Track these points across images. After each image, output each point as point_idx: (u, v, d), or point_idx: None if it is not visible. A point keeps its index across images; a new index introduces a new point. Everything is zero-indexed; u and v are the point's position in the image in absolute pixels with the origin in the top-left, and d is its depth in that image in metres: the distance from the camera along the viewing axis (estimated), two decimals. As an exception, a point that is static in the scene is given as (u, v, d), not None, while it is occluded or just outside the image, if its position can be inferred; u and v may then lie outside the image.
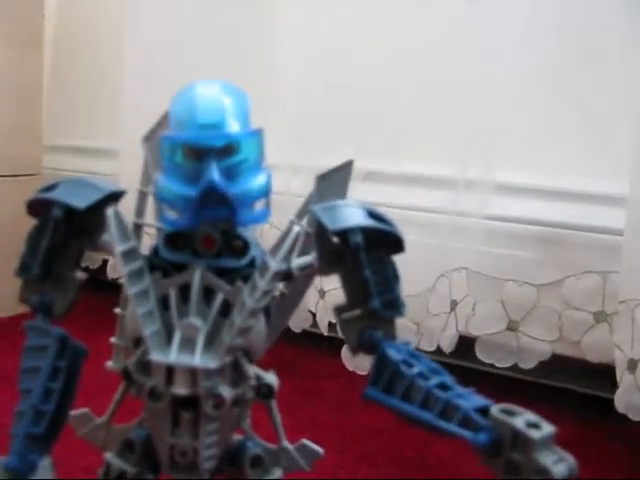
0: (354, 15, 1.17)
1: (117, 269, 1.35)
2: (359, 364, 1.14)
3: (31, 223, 0.52)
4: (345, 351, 1.15)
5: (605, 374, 1.02)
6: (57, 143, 1.52)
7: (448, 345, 1.09)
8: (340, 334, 0.51)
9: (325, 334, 1.20)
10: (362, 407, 1.05)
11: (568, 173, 1.06)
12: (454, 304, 1.09)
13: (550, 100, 1.05)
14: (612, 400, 0.95)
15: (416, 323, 1.11)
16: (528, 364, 1.09)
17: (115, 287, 1.35)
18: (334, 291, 1.14)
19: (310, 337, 1.21)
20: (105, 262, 1.42)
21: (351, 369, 1.14)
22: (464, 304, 1.09)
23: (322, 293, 1.17)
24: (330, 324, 1.19)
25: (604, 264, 1.01)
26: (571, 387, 1.11)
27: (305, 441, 0.57)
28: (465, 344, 1.11)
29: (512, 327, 1.08)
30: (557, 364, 1.08)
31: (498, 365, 1.10)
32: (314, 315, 1.19)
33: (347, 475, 0.86)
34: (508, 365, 1.10)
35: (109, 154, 1.36)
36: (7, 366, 1.13)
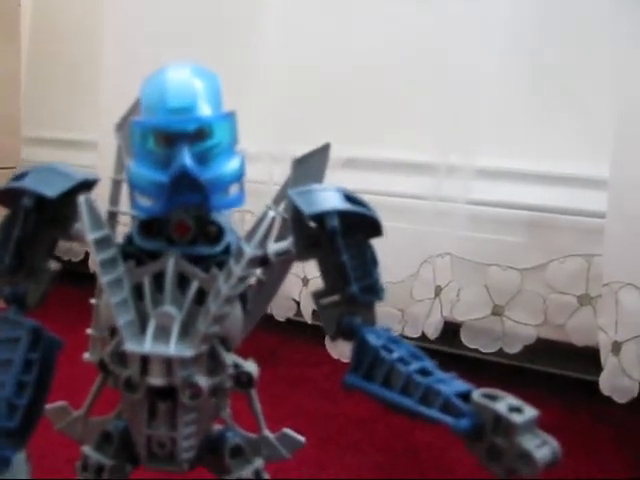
0: (341, 6, 1.16)
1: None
2: (344, 352, 1.13)
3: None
4: (329, 339, 1.15)
5: (590, 357, 1.02)
6: (36, 135, 1.51)
7: (433, 331, 1.08)
8: (320, 319, 0.50)
9: (309, 322, 1.19)
10: (347, 395, 1.04)
11: (550, 156, 1.05)
12: (438, 290, 1.08)
13: (531, 83, 1.04)
14: (597, 383, 0.95)
15: (400, 310, 1.10)
16: (513, 349, 1.08)
17: (94, 280, 1.35)
18: (318, 279, 1.14)
19: (294, 325, 1.21)
20: (87, 255, 1.40)
21: (336, 357, 1.14)
22: (448, 290, 1.09)
23: (305, 281, 1.16)
24: (314, 312, 1.18)
25: (588, 247, 1.01)
26: (556, 371, 1.11)
27: (286, 430, 0.57)
28: (450, 330, 1.11)
29: (497, 312, 1.08)
30: (542, 348, 1.08)
31: (483, 350, 1.10)
32: (298, 303, 1.19)
33: (332, 464, 0.86)
34: (493, 350, 1.09)
35: (88, 146, 1.35)
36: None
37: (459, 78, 1.04)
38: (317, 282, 1.12)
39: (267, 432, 0.56)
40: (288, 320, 1.21)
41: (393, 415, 0.99)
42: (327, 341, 1.14)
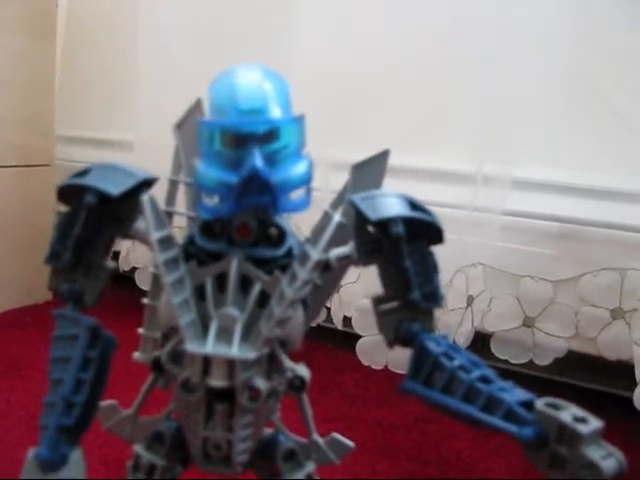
0: (376, 7, 1.16)
1: (130, 262, 1.35)
2: (374, 359, 1.13)
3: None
4: (360, 345, 1.15)
5: (622, 371, 1.01)
6: (70, 134, 1.51)
7: (464, 341, 1.08)
8: (377, 326, 0.50)
9: (340, 328, 1.19)
10: (378, 402, 1.05)
11: (586, 169, 1.05)
12: (470, 300, 1.08)
13: (569, 94, 1.04)
14: (630, 398, 0.94)
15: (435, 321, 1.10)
16: (544, 361, 1.08)
17: (125, 280, 1.35)
18: (349, 285, 1.14)
19: (324, 332, 1.20)
20: (116, 255, 1.41)
21: (366, 364, 1.14)
22: (480, 300, 1.09)
23: (337, 288, 1.16)
24: (345, 318, 1.18)
25: (622, 261, 1.01)
26: (587, 385, 1.10)
27: (335, 435, 0.57)
28: (480, 340, 1.10)
29: (528, 323, 1.08)
30: (573, 361, 1.08)
31: (513, 361, 1.09)
32: (328, 310, 1.19)
33: (365, 470, 0.86)
34: (523, 361, 1.09)
35: (123, 145, 1.35)
36: (17, 357, 1.13)
37: (498, 87, 1.03)
38: (348, 288, 1.13)
39: (317, 436, 0.56)
40: (318, 326, 1.21)
41: (426, 423, 0.99)
42: (358, 347, 1.15)
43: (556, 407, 0.42)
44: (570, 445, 0.41)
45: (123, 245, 1.38)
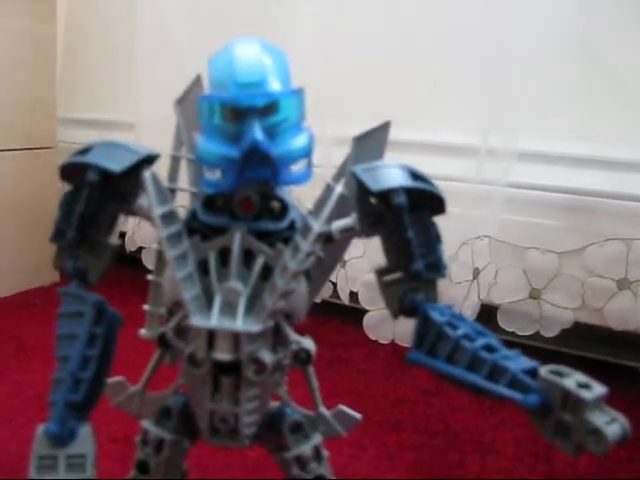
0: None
1: (136, 242, 1.35)
2: (381, 333, 1.14)
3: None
4: (367, 320, 1.15)
5: (629, 342, 1.01)
6: (72, 116, 1.51)
7: (470, 313, 1.08)
8: (381, 297, 0.50)
9: (346, 304, 1.19)
10: (385, 376, 1.05)
11: (590, 139, 1.04)
12: (476, 272, 1.08)
13: (574, 65, 1.03)
14: (636, 368, 0.94)
15: (438, 291, 1.10)
16: (550, 332, 1.08)
17: (131, 260, 1.35)
18: (355, 260, 1.14)
19: (331, 307, 1.21)
20: (122, 235, 1.41)
21: (373, 338, 1.14)
22: (486, 272, 1.09)
23: (343, 262, 1.16)
24: (351, 293, 1.18)
25: (627, 231, 1.01)
26: (594, 355, 1.10)
27: (342, 407, 0.57)
28: (487, 312, 1.11)
29: (534, 295, 1.08)
30: (579, 332, 1.08)
31: (520, 333, 1.10)
32: (335, 285, 1.19)
33: (373, 443, 0.86)
34: (530, 333, 1.09)
35: (124, 126, 1.35)
36: (25, 339, 1.14)
37: (500, 59, 1.03)
38: (354, 263, 1.13)
39: (323, 409, 0.57)
40: (324, 301, 1.21)
41: (432, 396, 1.00)
42: (365, 322, 1.15)
43: (560, 374, 0.42)
44: (574, 411, 0.41)
45: (129, 225, 1.38)
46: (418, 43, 1.12)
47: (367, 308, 1.15)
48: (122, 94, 1.40)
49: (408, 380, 1.03)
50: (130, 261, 1.36)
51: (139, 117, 1.33)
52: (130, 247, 1.39)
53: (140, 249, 1.40)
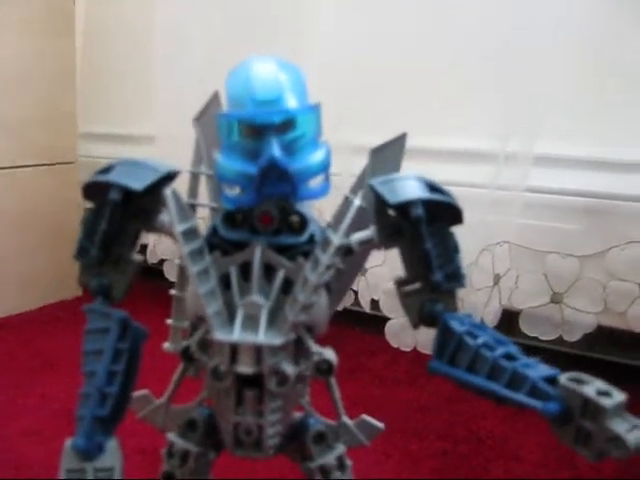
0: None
1: (157, 254, 1.36)
2: (403, 341, 1.14)
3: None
4: (388, 328, 1.15)
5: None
6: (92, 130, 1.52)
7: (492, 319, 1.08)
8: (401, 308, 0.51)
9: (367, 312, 1.20)
10: (408, 383, 1.06)
11: (610, 143, 1.04)
12: (497, 278, 1.08)
13: (592, 69, 1.03)
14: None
15: (459, 298, 1.10)
16: (573, 336, 1.08)
17: (153, 273, 1.36)
18: (375, 268, 1.14)
19: (352, 315, 1.21)
20: (143, 248, 1.42)
21: (395, 346, 1.15)
22: (507, 278, 1.09)
23: (363, 271, 1.16)
24: (372, 301, 1.19)
25: (648, 234, 1.01)
26: (617, 359, 1.10)
27: (365, 416, 0.58)
28: (508, 318, 1.10)
29: (556, 299, 1.08)
30: (602, 336, 1.07)
31: (542, 338, 1.09)
32: (356, 293, 1.19)
33: (398, 450, 0.86)
34: (552, 338, 1.09)
35: (144, 140, 1.36)
36: (50, 352, 1.15)
37: (518, 64, 1.03)
38: (374, 271, 1.13)
39: (346, 419, 0.57)
40: (345, 309, 1.22)
41: (455, 403, 1.00)
42: (386, 330, 1.15)
43: (580, 381, 0.43)
44: (594, 419, 0.41)
45: (150, 238, 1.39)
46: (435, 51, 1.12)
47: (388, 316, 1.16)
48: (141, 107, 1.41)
49: (431, 387, 1.03)
50: (152, 273, 1.37)
51: (158, 130, 1.34)
52: (152, 260, 1.40)
53: (162, 261, 1.41)
